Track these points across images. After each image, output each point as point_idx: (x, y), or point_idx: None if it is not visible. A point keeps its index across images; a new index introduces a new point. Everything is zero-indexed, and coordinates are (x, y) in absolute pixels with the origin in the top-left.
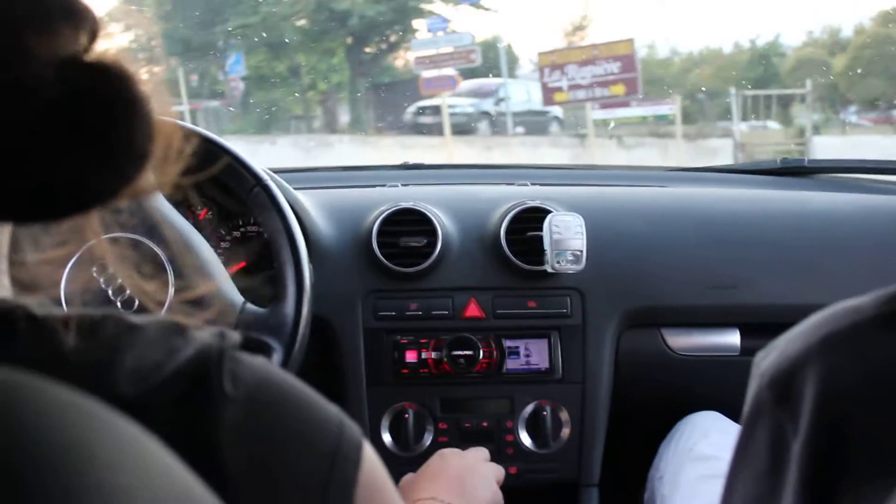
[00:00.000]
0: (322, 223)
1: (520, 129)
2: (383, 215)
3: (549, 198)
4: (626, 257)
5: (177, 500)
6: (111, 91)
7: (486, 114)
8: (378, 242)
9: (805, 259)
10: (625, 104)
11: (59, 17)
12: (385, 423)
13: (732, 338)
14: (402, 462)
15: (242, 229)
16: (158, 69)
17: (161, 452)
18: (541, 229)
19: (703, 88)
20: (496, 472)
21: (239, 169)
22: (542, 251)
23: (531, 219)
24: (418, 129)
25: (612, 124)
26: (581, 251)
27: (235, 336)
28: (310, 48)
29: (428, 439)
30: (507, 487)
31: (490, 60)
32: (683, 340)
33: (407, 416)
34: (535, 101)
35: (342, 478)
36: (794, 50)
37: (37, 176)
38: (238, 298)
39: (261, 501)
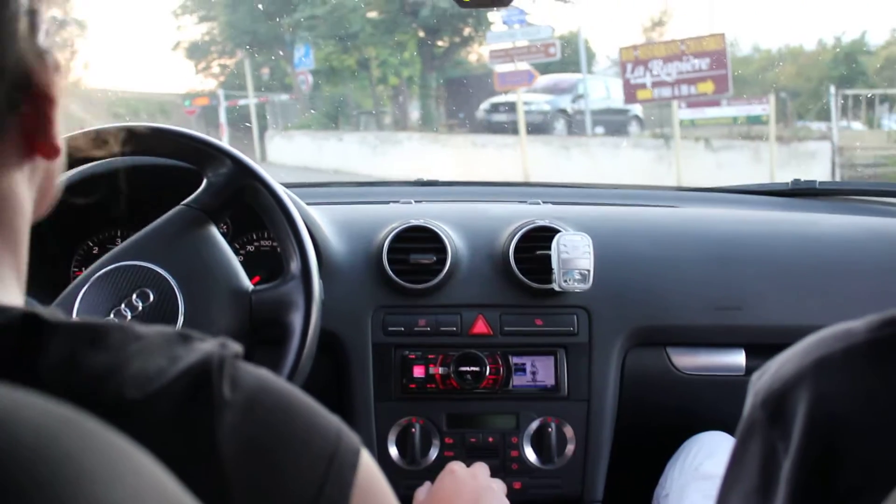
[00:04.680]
0: (334, 239)
1: (599, 129)
2: (394, 232)
3: (557, 217)
4: (633, 277)
5: None
6: None
7: (563, 112)
8: (388, 259)
9: (812, 281)
10: (713, 103)
11: None
12: (392, 437)
13: (738, 358)
14: (409, 476)
15: (256, 244)
16: (230, 62)
17: (153, 468)
18: (549, 248)
19: (795, 87)
20: (502, 488)
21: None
22: (550, 270)
23: (540, 237)
24: (491, 128)
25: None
26: (588, 270)
27: (237, 346)
28: (380, 41)
29: (434, 454)
30: (511, 502)
31: (566, 56)
32: (689, 360)
33: (414, 430)
34: (615, 98)
35: (338, 480)
36: (879, 48)
37: None
38: (247, 283)
39: (256, 501)
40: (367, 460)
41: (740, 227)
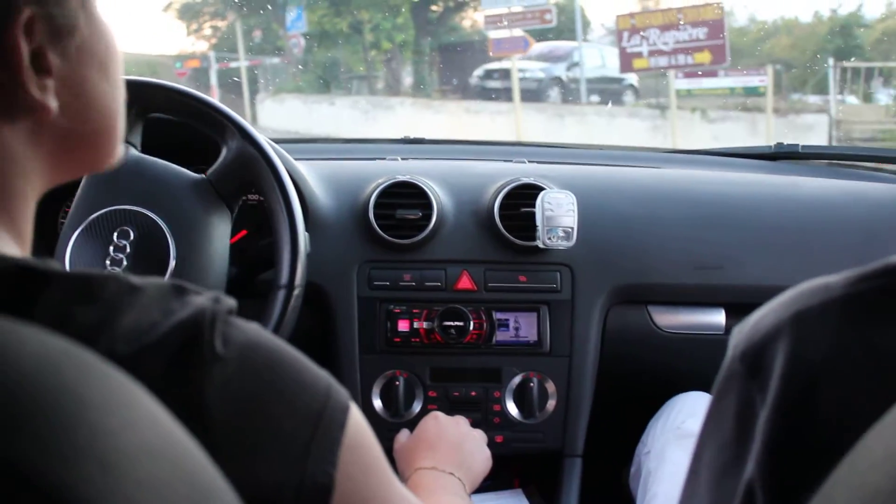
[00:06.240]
0: (321, 193)
1: (594, 98)
2: (381, 187)
3: (542, 175)
4: (616, 235)
5: (161, 444)
6: None
7: (557, 79)
8: (375, 214)
9: (792, 242)
10: (710, 74)
11: None
12: (376, 389)
13: (718, 317)
14: (392, 427)
15: (244, 198)
16: (222, 24)
17: (147, 400)
18: (534, 206)
19: (790, 59)
20: (483, 438)
21: (240, 136)
22: (534, 227)
23: (525, 195)
24: (485, 94)
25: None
26: (572, 228)
27: (231, 301)
28: (374, 4)
29: (417, 406)
30: (493, 455)
31: (562, 23)
32: (670, 318)
33: (397, 383)
34: (610, 67)
35: (326, 438)
36: (875, 21)
37: None
38: (194, 175)
39: (243, 456)
40: (356, 417)
41: (723, 188)
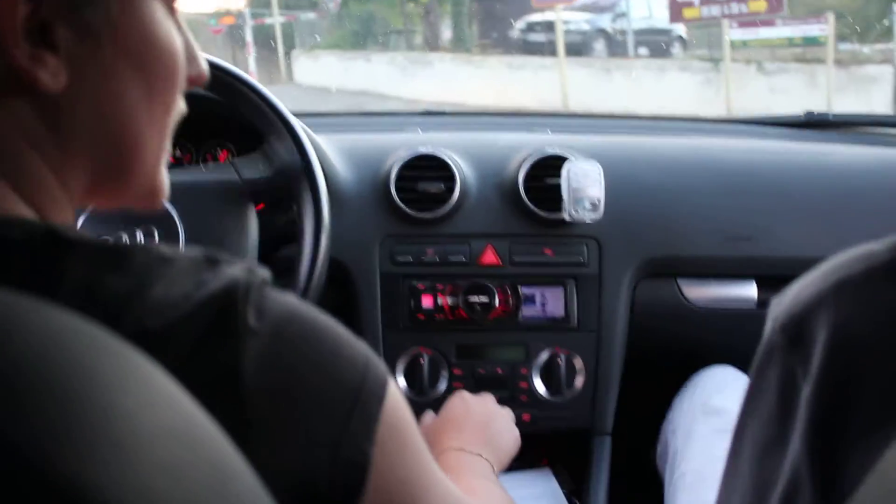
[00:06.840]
0: (341, 167)
1: (642, 51)
2: (402, 160)
3: (567, 146)
4: (644, 207)
5: (181, 425)
6: None
7: (602, 31)
8: (396, 187)
9: (824, 212)
10: (767, 23)
11: None
12: (400, 367)
13: (749, 290)
14: (417, 407)
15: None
16: None
17: (164, 380)
18: (559, 177)
19: (840, 6)
20: (511, 416)
21: (263, 108)
22: (559, 199)
23: (550, 166)
24: (527, 48)
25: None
26: (599, 200)
27: (265, 272)
28: None
29: (443, 385)
30: (520, 434)
31: None
32: (700, 291)
33: (422, 361)
34: (657, 18)
35: (365, 413)
36: None
37: None
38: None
39: (278, 432)
40: (394, 392)
41: (753, 157)
